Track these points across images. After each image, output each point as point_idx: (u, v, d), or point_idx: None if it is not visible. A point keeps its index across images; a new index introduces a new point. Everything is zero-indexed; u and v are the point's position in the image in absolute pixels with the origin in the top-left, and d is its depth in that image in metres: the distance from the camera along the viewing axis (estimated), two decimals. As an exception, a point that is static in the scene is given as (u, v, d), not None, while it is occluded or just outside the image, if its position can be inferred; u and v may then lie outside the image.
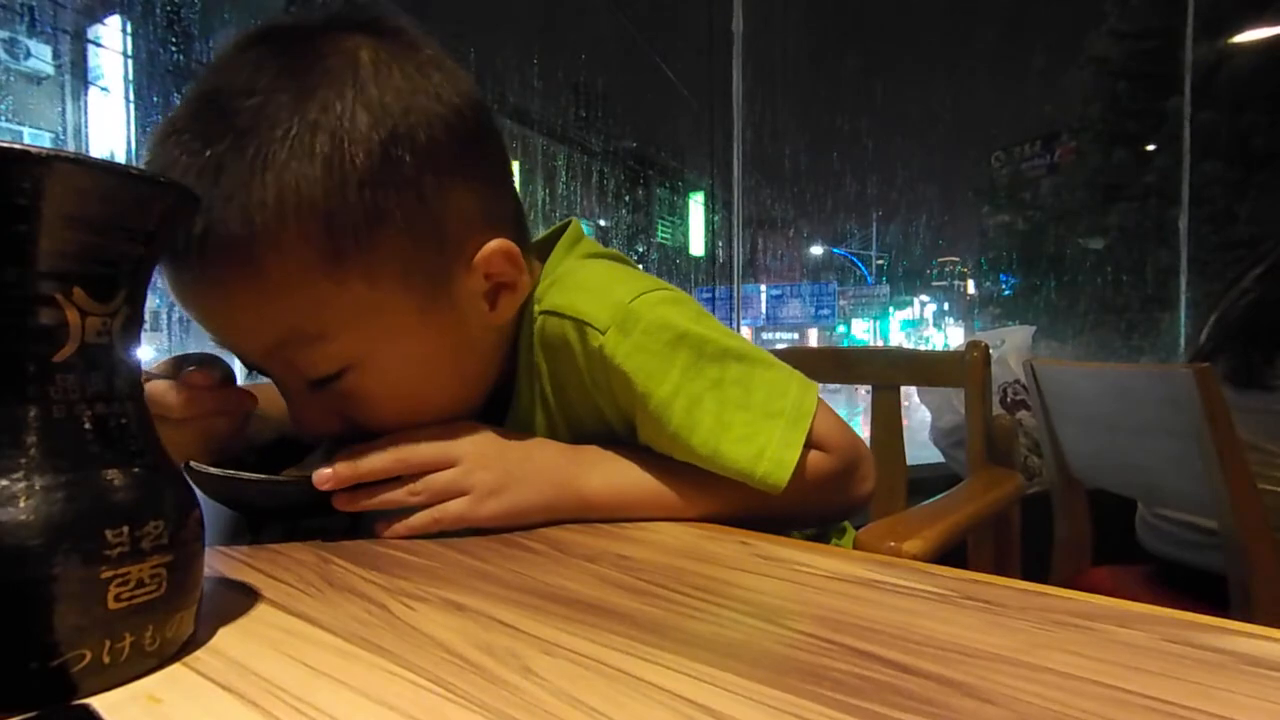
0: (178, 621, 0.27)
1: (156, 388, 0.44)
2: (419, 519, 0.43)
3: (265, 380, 0.49)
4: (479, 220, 0.47)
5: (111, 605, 0.24)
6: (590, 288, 0.51)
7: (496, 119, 0.50)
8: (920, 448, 1.71)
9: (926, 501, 0.70)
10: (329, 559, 0.40)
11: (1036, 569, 1.05)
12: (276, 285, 0.41)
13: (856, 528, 0.68)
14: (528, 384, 0.53)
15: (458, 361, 0.49)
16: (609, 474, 0.49)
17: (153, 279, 0.30)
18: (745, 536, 0.45)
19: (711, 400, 0.48)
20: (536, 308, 0.51)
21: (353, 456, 0.43)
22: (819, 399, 0.51)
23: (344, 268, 0.41)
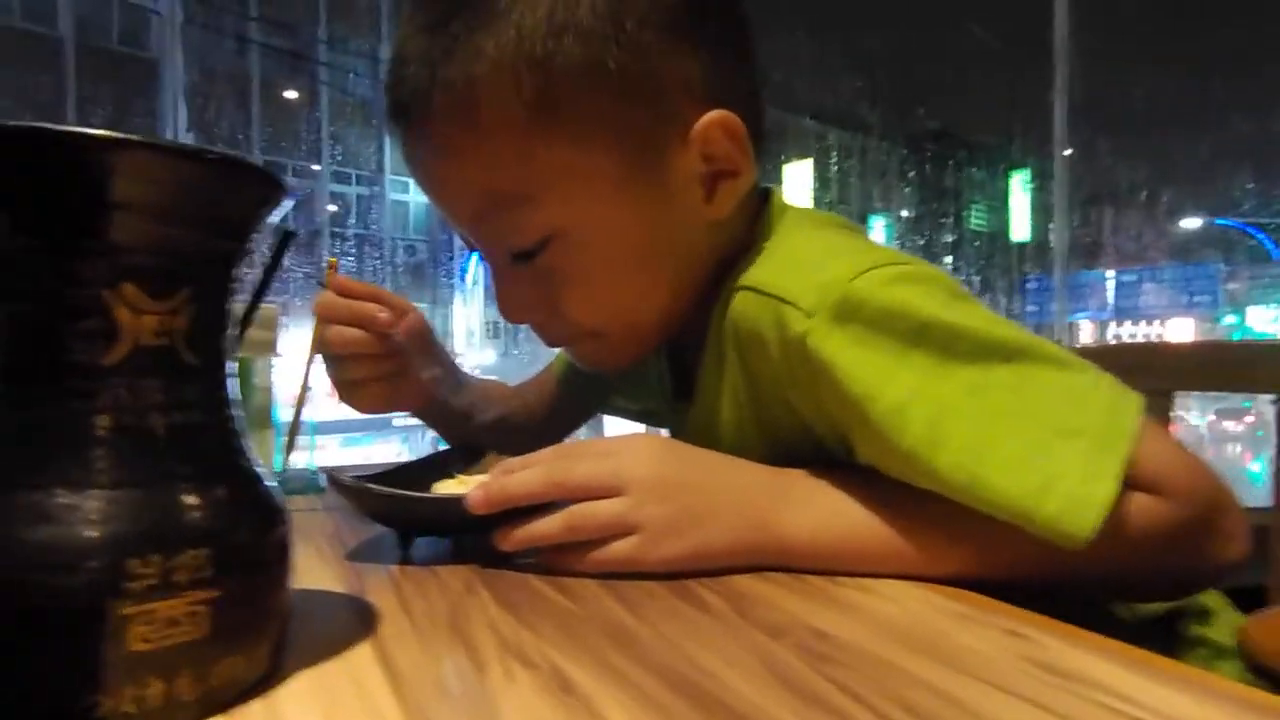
0: (230, 665, 0.23)
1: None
2: (579, 558, 0.36)
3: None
4: (702, 91, 0.43)
5: (134, 646, 0.21)
6: (800, 261, 0.41)
7: None
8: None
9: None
10: (476, 589, 0.35)
11: None
12: (486, 136, 0.41)
13: (1245, 609, 0.46)
14: (714, 371, 0.44)
15: (662, 254, 0.45)
16: (822, 512, 0.37)
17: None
18: (1020, 622, 0.30)
19: (970, 408, 0.35)
20: (732, 283, 0.43)
21: (505, 475, 0.38)
22: (1144, 418, 0.34)
23: (553, 124, 0.40)
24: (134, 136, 0.21)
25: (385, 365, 0.52)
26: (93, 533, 0.21)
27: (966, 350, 0.35)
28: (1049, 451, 0.33)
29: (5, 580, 0.20)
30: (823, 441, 0.41)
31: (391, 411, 0.56)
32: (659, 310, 0.47)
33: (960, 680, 0.25)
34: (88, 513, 0.21)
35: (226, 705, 0.23)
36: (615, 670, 0.26)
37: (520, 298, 0.46)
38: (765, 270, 0.41)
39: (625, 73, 0.40)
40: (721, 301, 0.44)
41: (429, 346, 0.57)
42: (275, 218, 0.27)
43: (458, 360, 0.64)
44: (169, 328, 0.23)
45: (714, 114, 0.42)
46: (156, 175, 0.22)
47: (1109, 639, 0.28)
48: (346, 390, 0.53)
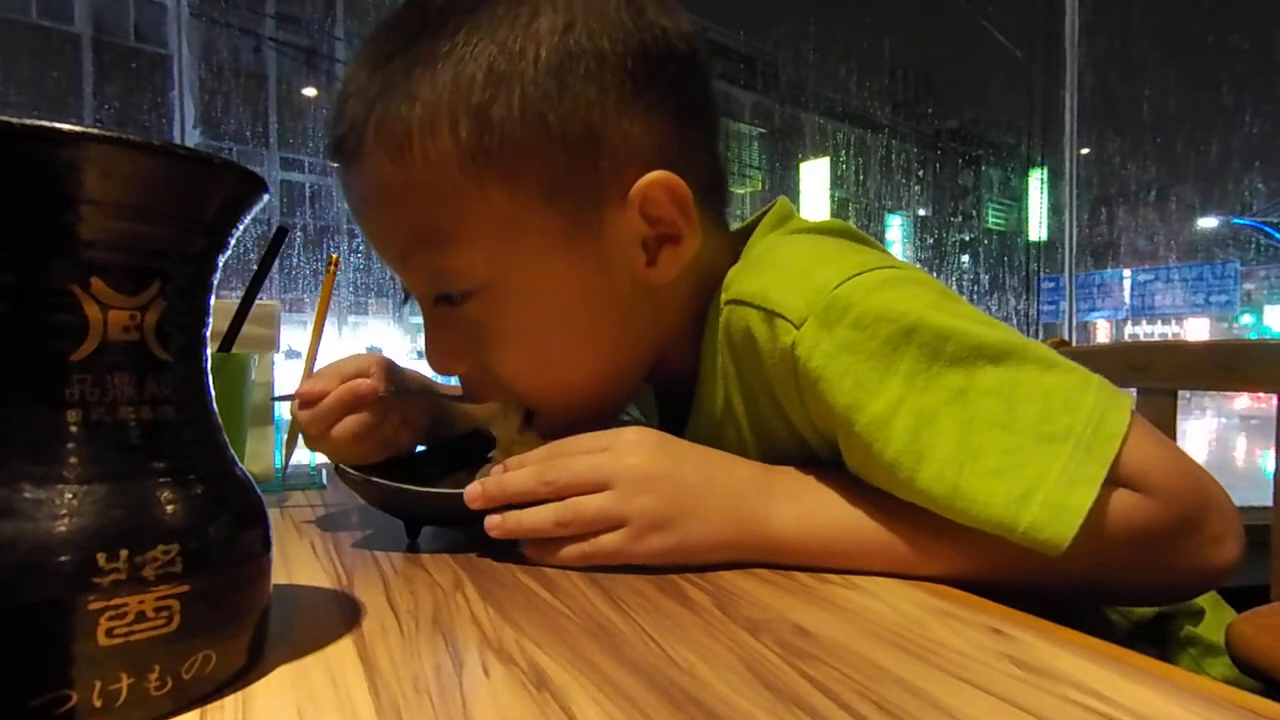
0: (202, 660, 0.23)
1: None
2: (568, 552, 0.36)
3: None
4: (649, 153, 0.41)
5: (102, 641, 0.21)
6: (789, 269, 0.40)
7: (709, 67, 0.44)
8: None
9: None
10: (463, 583, 0.35)
11: None
12: (417, 172, 0.39)
13: (1239, 606, 0.45)
14: (712, 390, 0.43)
15: (600, 316, 0.42)
16: (810, 509, 0.37)
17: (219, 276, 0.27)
18: (1003, 620, 0.30)
19: (951, 417, 0.34)
20: (724, 297, 0.42)
21: (504, 473, 0.38)
22: (1136, 417, 0.33)
23: (487, 171, 0.38)
24: (96, 131, 0.21)
25: (379, 417, 0.47)
26: (59, 527, 0.21)
27: (953, 352, 0.35)
28: (1029, 459, 0.33)
29: (-22, 574, 0.20)
30: (816, 452, 0.40)
31: (399, 451, 0.50)
32: (592, 380, 0.43)
33: (935, 677, 0.25)
34: (55, 508, 0.21)
35: (199, 699, 0.23)
36: (592, 666, 0.26)
37: (448, 346, 0.43)
38: (754, 282, 0.40)
39: (565, 127, 0.39)
40: (712, 318, 0.43)
41: (400, 380, 0.51)
42: (269, 215, 0.27)
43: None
44: (139, 323, 0.23)
45: (655, 174, 0.40)
46: (123, 171, 0.22)
47: (1090, 637, 0.27)
48: (350, 456, 0.47)
